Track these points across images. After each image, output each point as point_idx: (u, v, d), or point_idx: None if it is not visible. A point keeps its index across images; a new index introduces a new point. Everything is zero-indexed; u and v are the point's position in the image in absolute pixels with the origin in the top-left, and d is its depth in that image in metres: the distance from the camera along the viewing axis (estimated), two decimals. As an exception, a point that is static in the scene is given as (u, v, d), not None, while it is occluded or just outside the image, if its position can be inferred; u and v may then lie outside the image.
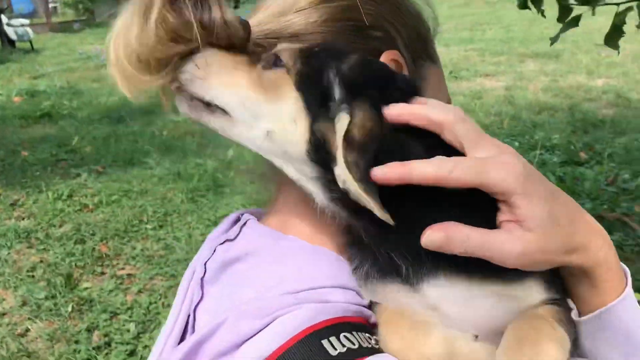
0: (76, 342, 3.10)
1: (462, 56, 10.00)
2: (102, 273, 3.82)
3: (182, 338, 0.78)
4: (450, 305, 0.61)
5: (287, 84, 0.64)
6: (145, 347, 3.02)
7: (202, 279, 0.79)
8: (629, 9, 2.02)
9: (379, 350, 0.63)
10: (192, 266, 0.86)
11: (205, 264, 0.80)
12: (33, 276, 3.77)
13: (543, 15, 2.34)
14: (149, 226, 4.35)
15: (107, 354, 3.00)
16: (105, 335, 3.13)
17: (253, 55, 0.69)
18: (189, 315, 0.79)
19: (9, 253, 4.08)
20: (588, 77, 8.09)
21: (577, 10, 2.13)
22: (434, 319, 0.62)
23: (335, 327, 0.64)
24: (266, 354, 0.62)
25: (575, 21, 2.18)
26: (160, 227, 4.34)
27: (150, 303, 3.40)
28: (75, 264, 3.88)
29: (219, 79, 0.67)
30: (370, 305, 0.70)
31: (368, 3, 0.74)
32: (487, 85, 8.16)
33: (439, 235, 0.56)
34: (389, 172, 0.57)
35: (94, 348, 3.02)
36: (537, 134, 5.67)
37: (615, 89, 7.29)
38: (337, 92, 0.61)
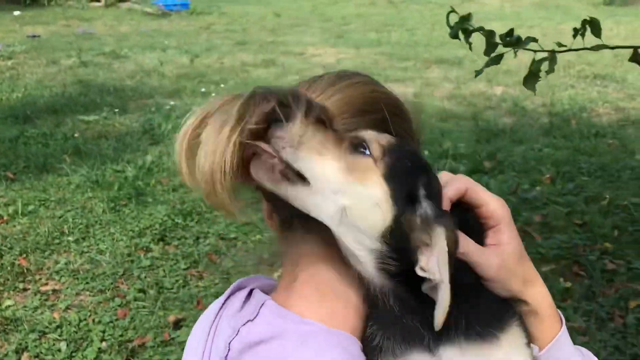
0: (4, 365, 3.05)
1: (372, 60, 10.35)
2: (25, 289, 3.74)
3: None
4: None
5: (374, 173, 0.76)
6: (79, 366, 3.03)
7: (225, 357, 0.88)
8: (545, 59, 2.29)
9: None
10: (205, 336, 0.96)
11: (230, 345, 0.88)
12: (-52, 295, 3.63)
13: (470, 49, 2.59)
14: (70, 238, 4.27)
15: (39, 376, 2.98)
16: (36, 356, 3.10)
17: (337, 133, 0.80)
18: None
19: None
20: (488, 85, 8.66)
21: (500, 49, 2.41)
22: None
23: None
24: None
25: (498, 59, 2.46)
26: (83, 239, 4.28)
27: (80, 320, 3.38)
28: (-5, 281, 3.76)
29: (310, 151, 0.76)
30: None
31: (398, 118, 0.90)
32: (398, 91, 8.49)
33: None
34: None
35: (25, 371, 2.99)
36: (445, 142, 6.06)
37: (512, 98, 7.89)
38: (425, 202, 0.76)
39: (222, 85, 9.20)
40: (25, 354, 3.11)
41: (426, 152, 5.81)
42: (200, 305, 3.47)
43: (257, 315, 0.90)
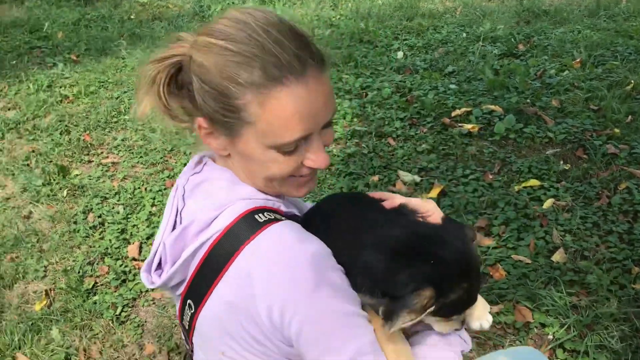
0: (75, 222, 3.71)
1: None
2: (89, 161, 4.37)
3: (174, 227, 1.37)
4: None
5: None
6: (134, 226, 3.65)
7: (183, 195, 1.37)
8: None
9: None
10: (175, 187, 1.43)
11: (184, 187, 1.37)
12: (28, 164, 4.31)
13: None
14: (126, 117, 4.83)
15: (101, 232, 3.63)
16: (99, 216, 3.74)
17: None
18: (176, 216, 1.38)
19: (2, 143, 4.57)
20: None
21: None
22: None
23: (260, 210, 1.24)
24: (227, 223, 1.21)
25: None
26: (137, 118, 4.82)
27: (135, 188, 3.99)
28: (64, 153, 4.41)
29: None
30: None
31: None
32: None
33: None
34: None
35: (90, 227, 3.64)
36: (484, 24, 6.09)
37: (566, -27, 7.60)
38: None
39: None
40: (91, 214, 3.76)
41: (463, 35, 5.91)
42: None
43: (201, 170, 1.39)
